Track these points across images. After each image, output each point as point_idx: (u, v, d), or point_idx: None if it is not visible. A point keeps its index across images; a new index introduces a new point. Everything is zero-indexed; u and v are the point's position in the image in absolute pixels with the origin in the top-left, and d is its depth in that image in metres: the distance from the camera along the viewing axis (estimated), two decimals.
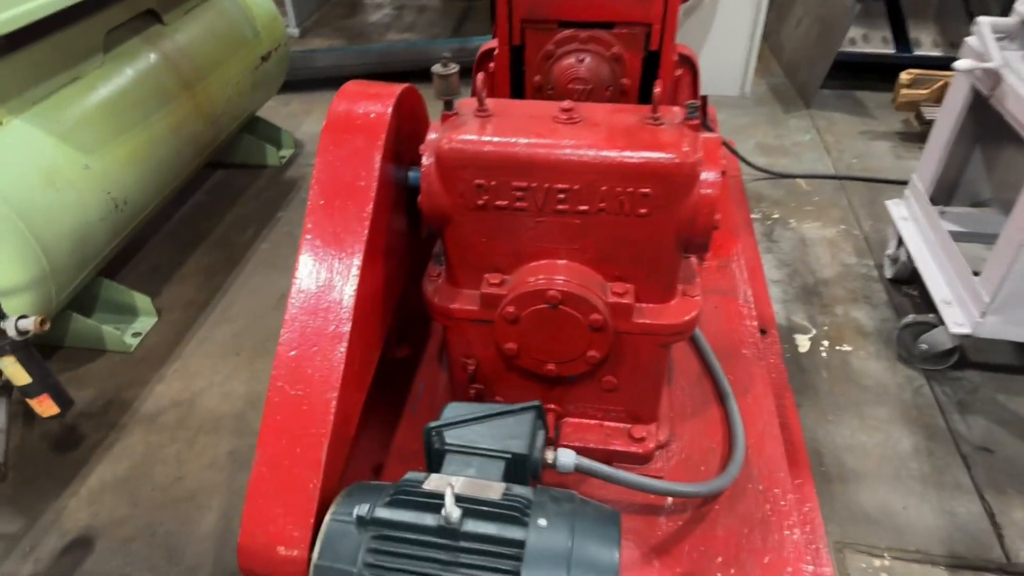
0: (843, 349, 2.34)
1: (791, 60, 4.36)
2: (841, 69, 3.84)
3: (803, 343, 2.37)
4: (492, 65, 2.02)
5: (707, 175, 1.38)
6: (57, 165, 2.02)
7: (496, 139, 1.39)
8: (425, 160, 1.45)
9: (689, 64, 1.99)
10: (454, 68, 1.40)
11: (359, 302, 1.37)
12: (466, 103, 1.51)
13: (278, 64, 3.23)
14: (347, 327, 1.34)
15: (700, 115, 1.39)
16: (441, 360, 1.96)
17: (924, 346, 2.20)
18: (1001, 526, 1.80)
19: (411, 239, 1.71)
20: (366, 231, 1.37)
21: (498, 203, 1.44)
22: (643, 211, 1.41)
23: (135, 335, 2.40)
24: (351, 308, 1.35)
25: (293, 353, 1.34)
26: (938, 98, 3.51)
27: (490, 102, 1.46)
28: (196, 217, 3.00)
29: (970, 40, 2.18)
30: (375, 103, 1.46)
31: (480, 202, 1.44)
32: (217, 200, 3.09)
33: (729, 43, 3.95)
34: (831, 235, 2.90)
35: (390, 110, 1.45)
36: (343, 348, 1.32)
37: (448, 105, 1.46)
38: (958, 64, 2.00)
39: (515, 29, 1.91)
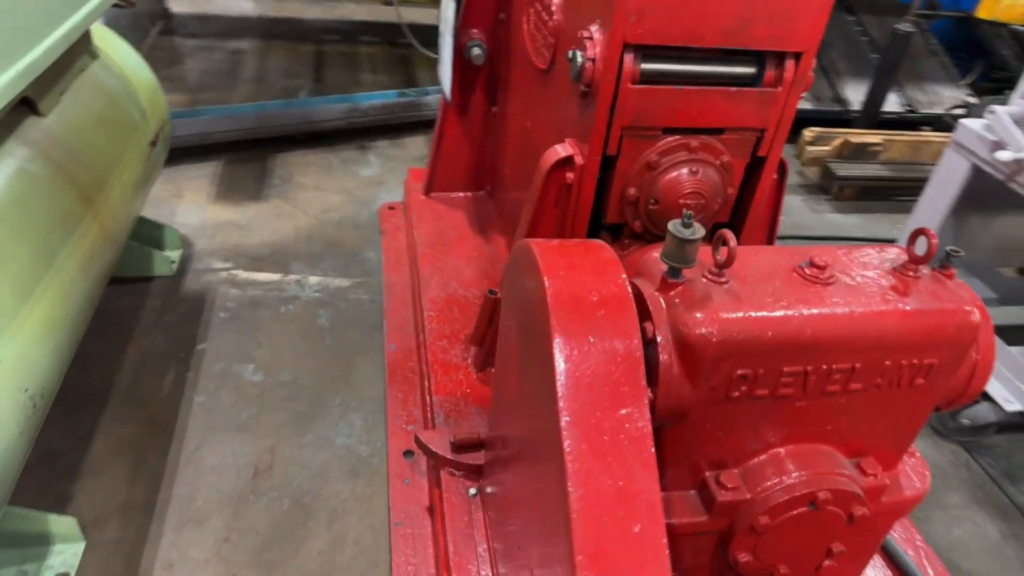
0: None
1: None
2: None
3: None
4: (571, 176, 1.68)
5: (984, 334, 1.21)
6: None
7: (765, 317, 1.09)
8: (661, 346, 1.11)
9: (780, 165, 1.83)
10: (700, 233, 1.07)
11: None
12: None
13: (164, 148, 2.52)
14: None
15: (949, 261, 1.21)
16: None
17: (965, 421, 2.28)
18: None
19: None
20: (655, 469, 0.99)
21: (758, 392, 1.14)
22: (920, 381, 1.20)
23: None
24: None
25: None
26: (839, 154, 3.80)
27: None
28: (83, 364, 2.20)
29: (967, 122, 2.31)
30: (601, 274, 1.08)
31: (736, 394, 1.13)
32: (104, 335, 2.30)
33: None
34: None
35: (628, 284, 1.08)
36: None
37: (676, 273, 1.12)
38: (1000, 155, 2.08)
39: (613, 137, 1.60)
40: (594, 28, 1.54)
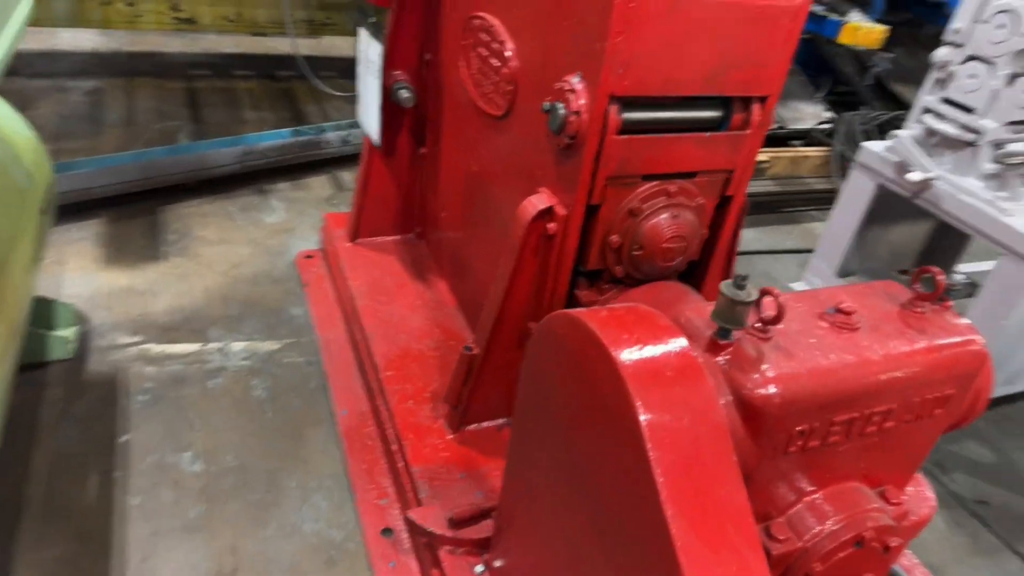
0: None
1: None
2: None
3: None
4: (552, 226, 1.65)
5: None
6: None
7: (819, 370, 1.11)
8: (725, 410, 1.10)
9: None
10: (754, 295, 1.08)
11: None
12: (706, 316, 1.18)
13: (53, 214, 2.20)
14: None
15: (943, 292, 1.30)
16: None
17: None
18: None
19: None
20: (761, 552, 0.96)
21: (811, 444, 1.16)
22: (939, 411, 1.27)
23: None
24: None
25: None
26: None
27: None
28: None
29: (870, 145, 2.53)
30: (662, 339, 1.05)
31: (792, 449, 1.14)
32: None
33: None
34: None
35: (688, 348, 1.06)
36: None
37: (727, 334, 1.12)
38: (911, 176, 2.29)
39: (597, 187, 1.59)
40: (574, 80, 1.52)
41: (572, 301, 1.78)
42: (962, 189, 2.31)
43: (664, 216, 1.65)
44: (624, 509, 1.02)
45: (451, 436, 1.99)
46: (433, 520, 1.69)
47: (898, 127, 4.80)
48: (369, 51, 2.47)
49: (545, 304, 1.78)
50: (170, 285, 2.74)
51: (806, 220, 4.23)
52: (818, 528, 1.23)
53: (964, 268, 3.19)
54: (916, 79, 5.78)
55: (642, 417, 0.96)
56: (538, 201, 1.67)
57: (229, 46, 5.40)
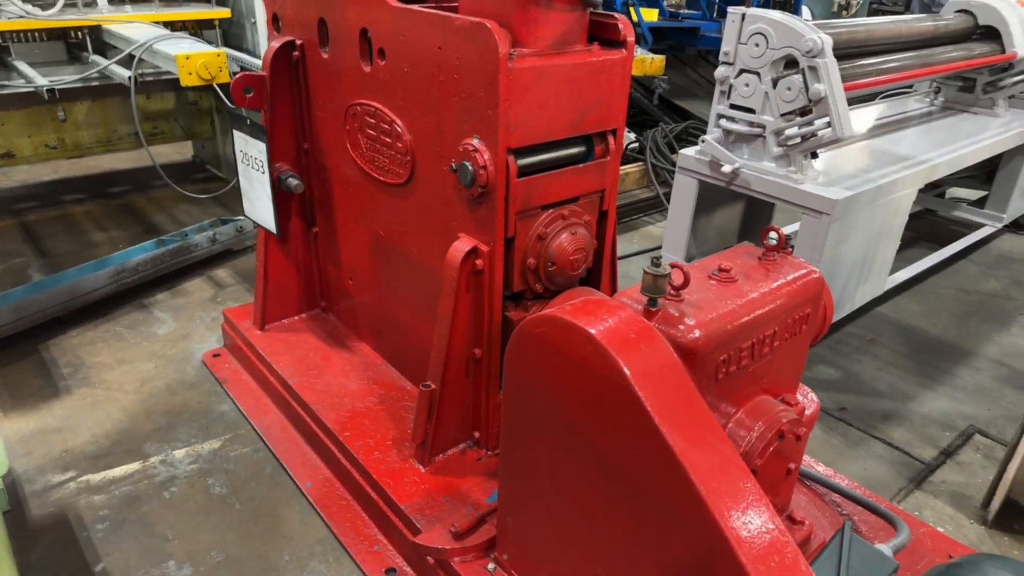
0: None
1: None
2: None
3: None
4: (480, 263, 1.96)
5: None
6: None
7: (725, 312, 1.52)
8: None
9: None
10: (667, 269, 1.47)
11: None
12: (631, 295, 1.55)
13: None
14: None
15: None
16: None
17: None
18: (902, 445, 2.71)
19: None
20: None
21: (731, 370, 1.56)
22: (804, 328, 1.74)
23: None
24: None
25: None
26: None
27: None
28: None
29: (686, 152, 3.11)
30: (618, 315, 1.39)
31: (720, 375, 1.54)
32: None
33: None
34: None
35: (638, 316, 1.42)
36: None
37: (655, 303, 1.50)
38: (725, 168, 2.87)
39: (511, 223, 1.93)
40: (475, 141, 1.86)
41: (506, 322, 2.10)
42: (762, 171, 2.94)
43: (565, 235, 2.03)
44: (628, 449, 1.35)
45: (424, 470, 2.20)
46: (439, 539, 1.90)
47: (692, 134, 5.66)
48: (248, 149, 2.66)
49: (485, 330, 2.08)
50: (84, 416, 2.68)
51: (642, 225, 4.87)
52: (749, 435, 1.63)
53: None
54: (690, 92, 6.82)
55: (626, 371, 1.30)
56: (463, 245, 1.98)
57: (48, 173, 5.19)
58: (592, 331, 1.34)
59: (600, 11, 1.93)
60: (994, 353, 3.43)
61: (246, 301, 3.35)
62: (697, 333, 1.45)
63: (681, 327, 1.46)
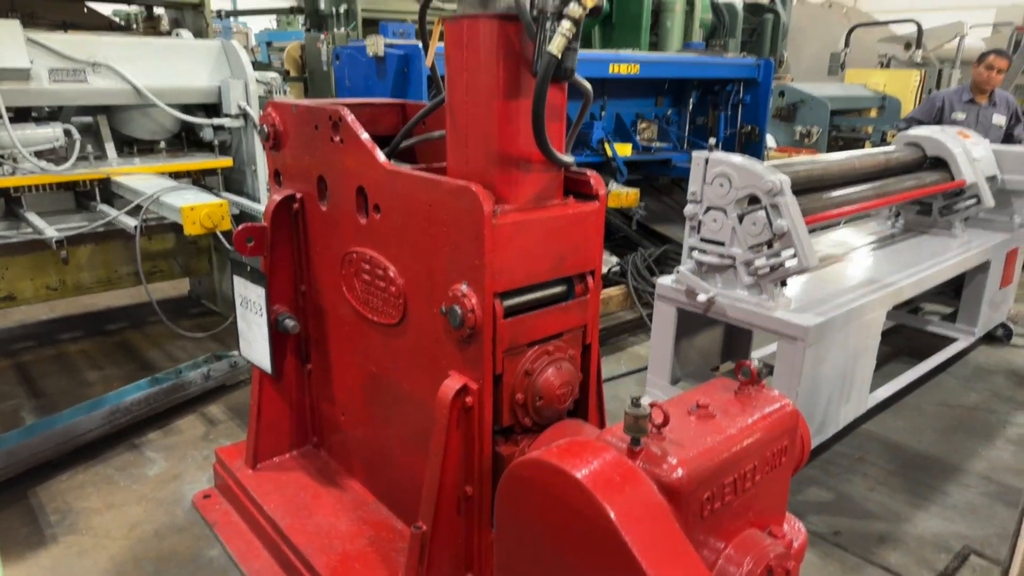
0: None
1: None
2: None
3: None
4: (470, 400, 2.04)
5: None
6: None
7: (707, 450, 1.59)
8: None
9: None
10: (647, 409, 1.55)
11: None
12: (615, 433, 1.62)
13: None
14: None
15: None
16: None
17: None
18: (899, 570, 2.68)
19: None
20: None
21: (716, 506, 1.61)
22: (783, 460, 1.80)
23: None
24: None
25: None
26: None
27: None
28: None
29: (663, 280, 3.28)
30: (602, 457, 1.45)
31: (706, 513, 1.58)
32: None
33: None
34: None
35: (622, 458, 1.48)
36: None
37: (637, 442, 1.57)
38: (700, 297, 3.01)
39: (498, 361, 2.03)
40: (463, 287, 1.99)
41: (496, 458, 2.14)
42: (736, 299, 3.09)
43: (551, 370, 2.12)
44: None
45: None
46: None
47: (671, 258, 5.90)
48: (248, 294, 2.79)
49: (476, 466, 2.12)
50: (71, 566, 2.63)
51: (628, 345, 4.98)
52: (738, 571, 1.65)
53: (757, 354, 4.02)
54: (667, 218, 7.16)
55: (611, 514, 1.34)
56: (453, 383, 2.06)
57: (45, 312, 5.29)
58: (578, 475, 1.40)
59: (574, 170, 2.13)
60: (982, 469, 3.46)
61: (238, 438, 3.35)
62: (680, 472, 1.51)
63: (664, 466, 1.52)
